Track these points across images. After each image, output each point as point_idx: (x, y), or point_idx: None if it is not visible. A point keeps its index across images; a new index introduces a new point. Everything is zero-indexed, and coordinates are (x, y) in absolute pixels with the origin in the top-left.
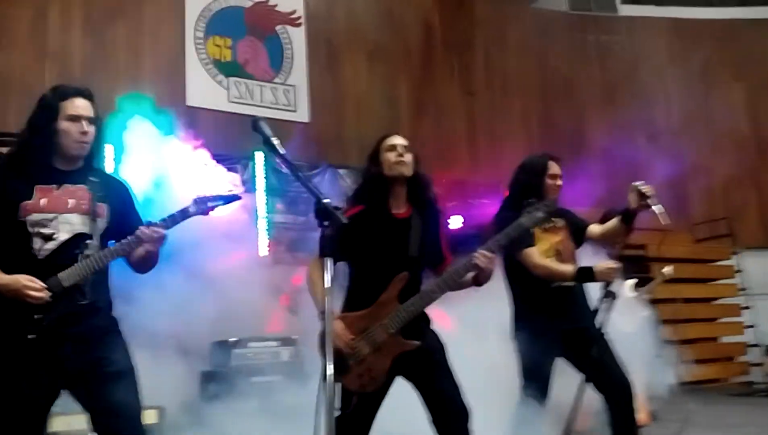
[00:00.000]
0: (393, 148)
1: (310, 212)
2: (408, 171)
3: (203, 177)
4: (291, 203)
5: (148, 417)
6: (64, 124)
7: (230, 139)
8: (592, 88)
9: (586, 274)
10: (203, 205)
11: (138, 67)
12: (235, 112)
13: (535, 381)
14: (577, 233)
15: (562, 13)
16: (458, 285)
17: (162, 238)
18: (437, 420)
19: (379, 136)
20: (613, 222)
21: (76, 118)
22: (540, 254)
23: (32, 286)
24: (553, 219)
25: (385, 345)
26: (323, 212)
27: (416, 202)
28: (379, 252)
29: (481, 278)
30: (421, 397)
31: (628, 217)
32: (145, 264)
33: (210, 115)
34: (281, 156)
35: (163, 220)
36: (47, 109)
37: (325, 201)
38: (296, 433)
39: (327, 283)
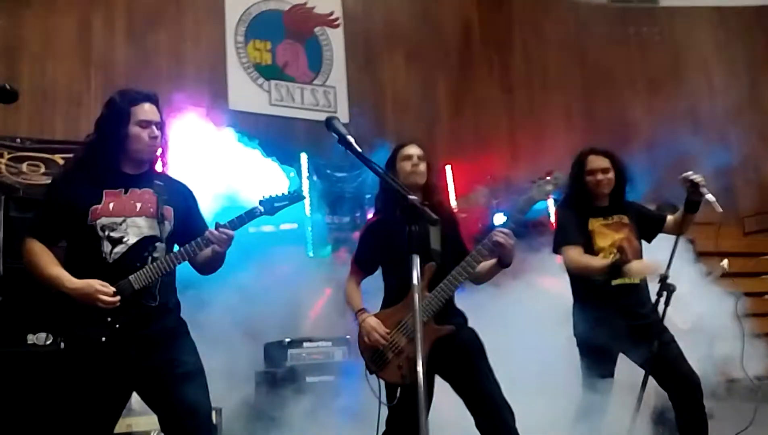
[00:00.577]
0: (408, 157)
1: (355, 212)
2: (421, 180)
3: (263, 177)
4: (335, 204)
5: None
6: (135, 129)
7: (274, 141)
8: (634, 81)
9: (618, 270)
10: (269, 206)
11: (180, 73)
12: (277, 115)
13: (598, 377)
14: (649, 228)
15: (602, 5)
16: (484, 270)
17: (230, 240)
18: (482, 422)
19: (399, 142)
20: (681, 212)
21: (146, 124)
22: (602, 250)
23: (104, 290)
24: (616, 215)
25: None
26: (411, 210)
27: (430, 208)
28: (404, 251)
29: (503, 258)
30: (462, 398)
31: (692, 205)
32: (210, 265)
33: (252, 119)
34: (358, 153)
35: (231, 221)
36: (118, 114)
37: (412, 198)
38: (351, 432)
39: (416, 279)
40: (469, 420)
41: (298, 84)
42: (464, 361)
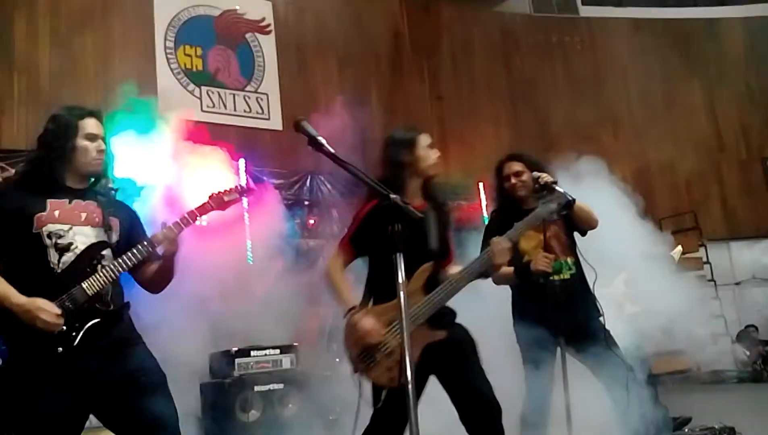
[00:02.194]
0: (432, 146)
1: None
2: (437, 171)
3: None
4: None
5: None
6: (82, 142)
7: None
8: (557, 89)
9: (525, 272)
10: (220, 201)
11: (108, 78)
12: (208, 122)
13: (537, 371)
14: (572, 222)
15: (526, 15)
16: (482, 273)
17: (176, 239)
18: (467, 416)
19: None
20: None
21: (93, 137)
22: (527, 252)
23: (47, 310)
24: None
25: (413, 336)
26: (392, 208)
27: (431, 198)
28: (405, 244)
29: (495, 263)
30: (449, 392)
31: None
32: (159, 278)
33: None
34: (331, 154)
35: (181, 218)
36: (65, 128)
37: (394, 197)
38: None
39: (401, 278)
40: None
41: (230, 90)
42: (456, 358)
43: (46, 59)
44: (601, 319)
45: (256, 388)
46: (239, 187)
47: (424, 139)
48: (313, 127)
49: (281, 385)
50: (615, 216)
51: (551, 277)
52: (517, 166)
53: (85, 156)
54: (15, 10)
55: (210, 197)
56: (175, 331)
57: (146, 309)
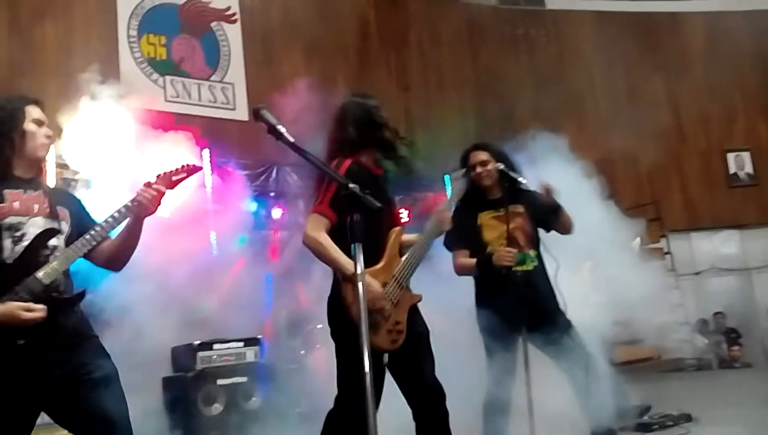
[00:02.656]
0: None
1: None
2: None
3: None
4: None
5: None
6: (30, 126)
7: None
8: (522, 80)
9: (487, 264)
10: (168, 179)
11: (69, 68)
12: (172, 112)
13: (499, 361)
14: (543, 216)
15: (492, 7)
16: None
17: (160, 197)
18: (415, 400)
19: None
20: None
21: (40, 123)
22: (490, 243)
23: (26, 306)
24: (511, 205)
25: (401, 299)
26: (351, 198)
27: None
28: (380, 209)
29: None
30: (396, 375)
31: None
32: (124, 250)
33: (147, 115)
34: (291, 144)
35: (131, 202)
36: (11, 114)
37: (352, 186)
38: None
39: (360, 269)
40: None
41: (195, 80)
42: (413, 341)
43: (5, 48)
44: (562, 309)
45: (219, 382)
46: (187, 166)
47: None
48: (279, 111)
49: (245, 379)
50: (578, 199)
51: (514, 269)
52: (482, 156)
53: (34, 141)
54: None
55: (158, 177)
56: (139, 325)
57: (110, 302)
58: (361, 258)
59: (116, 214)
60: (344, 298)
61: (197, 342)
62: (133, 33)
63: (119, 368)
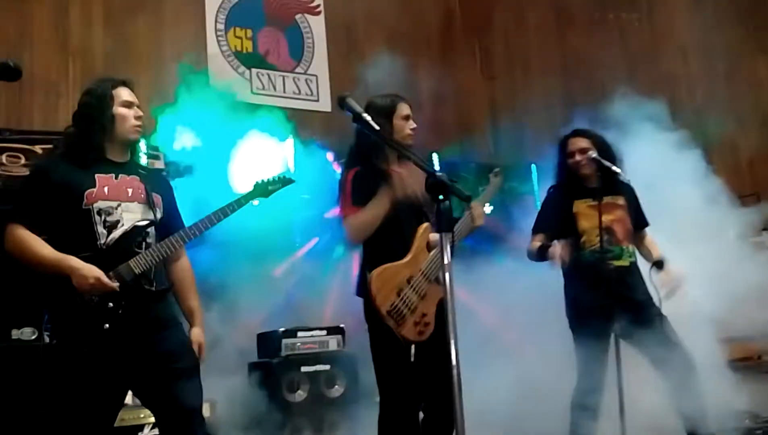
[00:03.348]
0: (408, 118)
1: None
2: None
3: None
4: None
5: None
6: (120, 110)
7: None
8: (613, 67)
9: (543, 254)
10: (264, 189)
11: (160, 61)
12: (258, 103)
13: (590, 357)
14: (637, 215)
15: None
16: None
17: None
18: (434, 393)
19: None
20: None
21: (129, 104)
22: (586, 232)
23: (99, 277)
24: (609, 196)
25: (428, 292)
26: (439, 186)
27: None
28: (402, 207)
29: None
30: (424, 365)
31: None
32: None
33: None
34: (376, 132)
35: (229, 205)
36: (101, 98)
37: (440, 175)
38: (345, 422)
39: (447, 258)
40: None
41: (280, 72)
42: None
43: (99, 43)
44: (656, 304)
45: (303, 369)
46: (282, 178)
47: (402, 109)
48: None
49: (327, 366)
50: (675, 176)
51: (609, 263)
52: (582, 143)
53: (124, 123)
54: None
55: (254, 186)
56: (227, 311)
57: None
58: (448, 248)
59: (213, 217)
60: (370, 290)
61: (281, 329)
62: (221, 26)
63: (209, 350)
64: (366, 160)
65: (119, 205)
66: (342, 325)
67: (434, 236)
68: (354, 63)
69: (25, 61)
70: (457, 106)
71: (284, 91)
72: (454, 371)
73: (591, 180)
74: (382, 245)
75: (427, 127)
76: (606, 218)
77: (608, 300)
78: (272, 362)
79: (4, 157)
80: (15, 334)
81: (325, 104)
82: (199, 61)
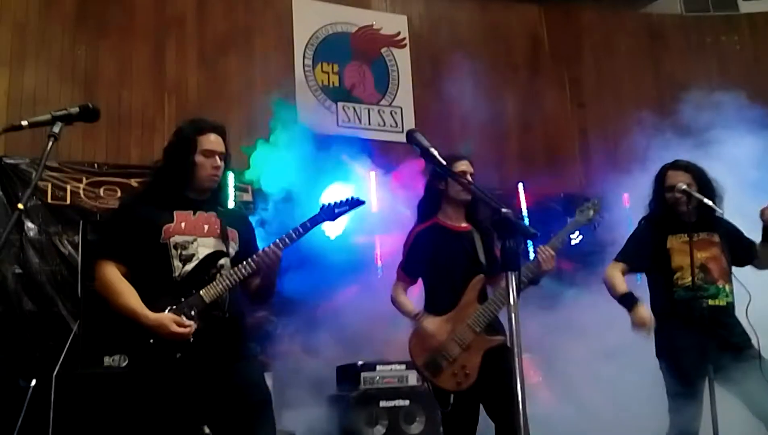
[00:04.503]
0: (463, 174)
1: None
2: (470, 197)
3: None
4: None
5: None
6: (199, 158)
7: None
8: (710, 92)
9: (628, 303)
10: (330, 212)
11: (250, 97)
12: (343, 135)
13: (683, 402)
14: (739, 251)
15: (677, 16)
16: (531, 281)
17: (278, 260)
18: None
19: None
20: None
21: (210, 154)
22: (681, 269)
23: (179, 322)
24: (704, 232)
25: (473, 343)
26: (505, 224)
27: (474, 219)
28: (454, 261)
29: (542, 271)
30: (495, 422)
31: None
32: (260, 293)
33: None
34: (443, 166)
35: (295, 229)
36: (184, 143)
37: (505, 211)
38: None
39: (512, 297)
40: None
41: (365, 105)
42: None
43: (194, 80)
44: (755, 347)
45: (382, 404)
46: (351, 200)
47: (460, 167)
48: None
49: (407, 402)
50: None
51: (703, 302)
52: (684, 177)
53: (201, 172)
54: (166, 36)
55: (321, 209)
56: (308, 343)
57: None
58: (513, 285)
59: (279, 243)
60: (409, 345)
61: (360, 362)
62: (308, 62)
63: (290, 383)
64: (430, 214)
65: (195, 240)
66: None
67: (546, 252)
68: (439, 93)
69: (124, 98)
70: (545, 135)
71: (369, 124)
72: (520, 415)
73: (688, 215)
74: (433, 296)
75: (515, 156)
76: (701, 255)
77: (702, 339)
78: (350, 395)
79: (101, 191)
80: (107, 361)
81: None
82: (287, 96)
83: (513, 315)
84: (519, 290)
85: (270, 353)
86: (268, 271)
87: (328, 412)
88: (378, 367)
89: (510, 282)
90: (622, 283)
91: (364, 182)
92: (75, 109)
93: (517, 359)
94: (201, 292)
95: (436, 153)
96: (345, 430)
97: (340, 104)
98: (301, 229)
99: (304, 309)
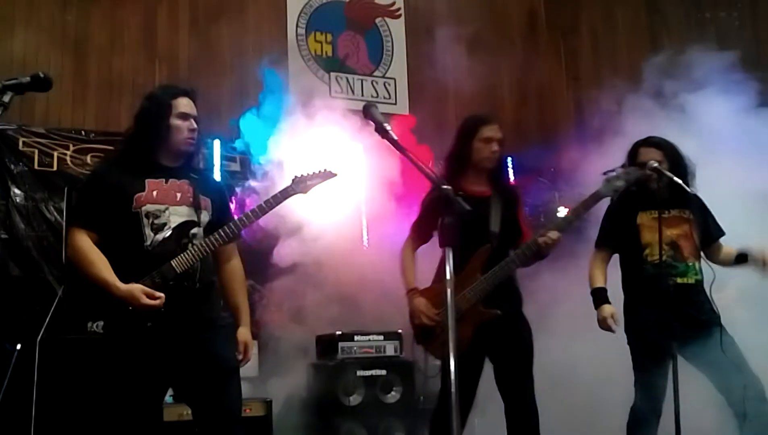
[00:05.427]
0: (489, 140)
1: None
2: (494, 165)
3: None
4: None
5: (256, 410)
6: (175, 121)
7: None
8: (709, 67)
9: (595, 300)
10: (303, 184)
11: (242, 66)
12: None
13: (649, 376)
14: (705, 235)
15: None
16: (536, 256)
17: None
18: (509, 414)
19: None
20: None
21: (185, 116)
22: (650, 245)
23: (149, 293)
24: (676, 209)
25: (466, 314)
26: (444, 200)
27: (497, 185)
28: (464, 227)
29: (544, 251)
30: (499, 385)
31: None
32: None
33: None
34: (394, 141)
35: (266, 201)
36: (159, 107)
37: (446, 188)
38: (400, 428)
39: (449, 274)
40: None
41: (359, 76)
42: (515, 354)
43: (185, 48)
44: (723, 326)
45: (359, 373)
46: (323, 172)
47: (486, 132)
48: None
49: (384, 372)
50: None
51: (672, 280)
52: (655, 155)
53: (177, 135)
54: (158, 2)
55: (293, 180)
56: (294, 311)
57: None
58: (450, 262)
59: (250, 214)
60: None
61: (338, 332)
62: (301, 31)
63: (275, 352)
64: (454, 177)
65: (167, 209)
66: (400, 331)
67: (550, 235)
68: (434, 65)
69: (114, 65)
70: (540, 108)
71: (362, 95)
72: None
73: (660, 191)
74: (441, 263)
75: (509, 129)
76: (671, 232)
77: (668, 316)
78: (328, 364)
79: (88, 158)
80: (90, 326)
81: (402, 107)
82: (279, 66)
83: (449, 290)
84: (525, 264)
85: (255, 322)
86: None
87: (307, 380)
88: (356, 337)
89: (447, 258)
90: (598, 278)
91: (355, 153)
92: (26, 79)
93: (450, 344)
94: (173, 262)
95: (389, 128)
96: (322, 399)
97: (333, 74)
98: (272, 201)
99: (291, 278)
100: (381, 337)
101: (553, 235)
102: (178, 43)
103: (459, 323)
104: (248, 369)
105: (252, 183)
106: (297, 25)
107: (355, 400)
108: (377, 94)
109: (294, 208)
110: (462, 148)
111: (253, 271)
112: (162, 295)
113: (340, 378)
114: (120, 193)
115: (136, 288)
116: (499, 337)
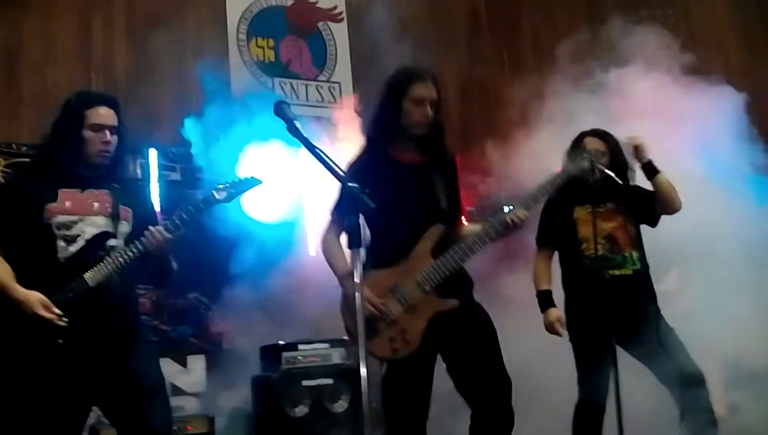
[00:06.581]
0: (421, 101)
1: None
2: (426, 131)
3: None
4: None
5: (199, 427)
6: (87, 133)
7: None
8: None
9: (540, 304)
10: (226, 192)
11: (182, 74)
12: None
13: (590, 371)
14: (645, 209)
15: None
16: (500, 234)
17: (165, 242)
18: (476, 417)
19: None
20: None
21: (99, 128)
22: (586, 240)
23: (46, 304)
24: (611, 202)
25: (419, 304)
26: (350, 198)
27: (430, 152)
28: (406, 202)
29: (511, 230)
30: (458, 387)
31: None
32: (154, 274)
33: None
34: (305, 140)
35: (186, 210)
36: (71, 117)
37: (352, 185)
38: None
39: (357, 277)
40: None
41: (303, 80)
42: (471, 345)
43: (122, 57)
44: (663, 318)
45: (304, 383)
46: (247, 180)
47: (415, 90)
48: None
49: (330, 380)
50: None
51: (610, 272)
52: (598, 145)
53: (89, 147)
54: (93, 11)
55: (216, 189)
56: (241, 323)
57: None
58: (359, 265)
59: (170, 226)
60: (341, 305)
61: (281, 342)
62: (243, 37)
63: (222, 366)
64: (372, 145)
65: (81, 220)
66: (345, 337)
67: (518, 213)
68: (378, 68)
69: (48, 77)
70: (485, 110)
71: (307, 99)
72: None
73: (596, 185)
74: (378, 244)
75: (454, 129)
76: (607, 226)
77: (606, 310)
78: (272, 376)
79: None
80: None
81: (349, 111)
82: (221, 72)
83: (358, 294)
84: (489, 241)
85: (202, 336)
86: (157, 252)
87: (253, 392)
88: (300, 347)
89: (355, 260)
90: (543, 279)
91: (298, 159)
92: None
93: (360, 349)
94: (86, 275)
95: (299, 126)
96: (267, 412)
97: (276, 80)
98: (192, 210)
99: (237, 289)
100: (326, 345)
101: (521, 213)
102: (114, 51)
103: (410, 315)
104: (196, 384)
105: (192, 191)
106: (238, 31)
107: (301, 411)
108: (322, 98)
109: (238, 217)
110: (389, 108)
111: (199, 283)
112: (58, 311)
113: (284, 389)
114: (29, 205)
115: (34, 296)
116: (452, 331)
